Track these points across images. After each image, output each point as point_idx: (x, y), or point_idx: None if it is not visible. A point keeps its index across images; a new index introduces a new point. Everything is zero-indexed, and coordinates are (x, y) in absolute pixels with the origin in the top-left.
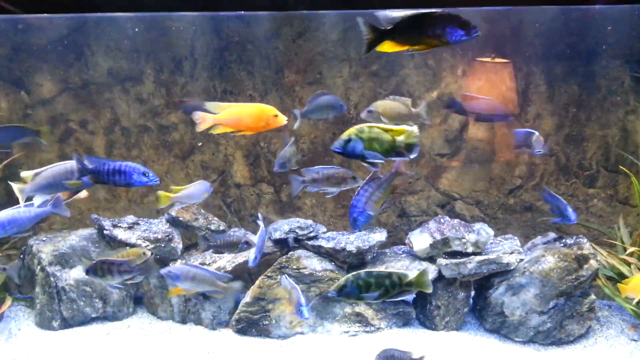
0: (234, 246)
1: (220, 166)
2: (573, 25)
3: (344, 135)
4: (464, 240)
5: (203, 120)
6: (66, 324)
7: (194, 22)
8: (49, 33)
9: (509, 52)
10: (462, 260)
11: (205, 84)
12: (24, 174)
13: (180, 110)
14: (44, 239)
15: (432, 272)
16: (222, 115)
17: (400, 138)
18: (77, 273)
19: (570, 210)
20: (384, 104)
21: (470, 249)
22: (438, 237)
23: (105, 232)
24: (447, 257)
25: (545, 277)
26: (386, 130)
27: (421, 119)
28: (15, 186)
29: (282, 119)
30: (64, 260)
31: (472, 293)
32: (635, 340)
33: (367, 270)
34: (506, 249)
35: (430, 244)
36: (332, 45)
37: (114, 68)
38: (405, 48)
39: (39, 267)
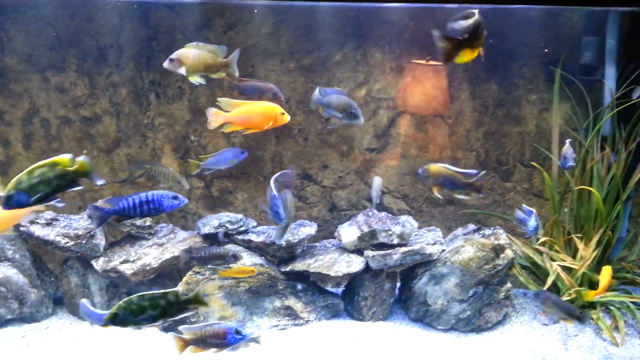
0: (221, 258)
1: (148, 160)
2: (494, 25)
3: (5, 192)
4: (389, 232)
5: (215, 117)
6: None
7: (120, 9)
8: None
9: (433, 50)
10: (388, 251)
11: (131, 74)
12: None
13: (239, 90)
14: None
15: (359, 263)
16: (233, 114)
17: (72, 168)
18: None
19: (532, 219)
20: (186, 52)
21: (395, 241)
22: (365, 229)
23: (22, 228)
24: (374, 249)
25: (465, 266)
26: (52, 165)
27: (230, 69)
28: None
29: (287, 117)
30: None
31: (398, 284)
32: (546, 324)
33: (139, 294)
34: (429, 240)
35: (358, 237)
36: (264, 38)
37: (34, 55)
38: (476, 54)
39: None
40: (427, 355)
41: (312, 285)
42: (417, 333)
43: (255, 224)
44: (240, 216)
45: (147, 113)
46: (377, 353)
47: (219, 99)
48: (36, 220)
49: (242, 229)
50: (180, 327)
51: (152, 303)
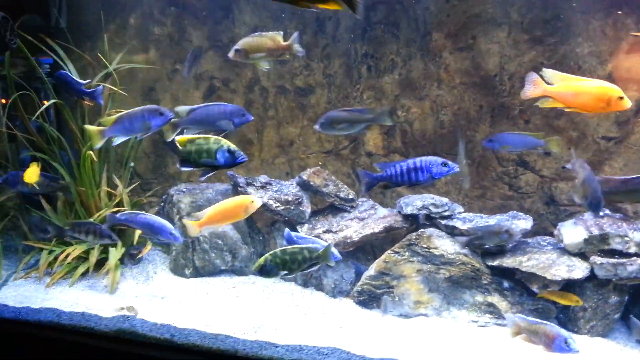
0: (495, 235)
1: (353, 133)
2: None
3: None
4: (626, 238)
5: (535, 87)
6: (197, 272)
7: None
8: None
9: None
10: (621, 260)
11: (346, 47)
12: (178, 108)
13: None
14: (184, 190)
15: (583, 269)
16: (558, 88)
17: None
18: None
19: None
20: (249, 41)
21: (632, 249)
22: (595, 231)
23: (239, 189)
24: (603, 256)
25: None
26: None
27: (294, 50)
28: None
29: (627, 103)
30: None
31: (626, 298)
32: None
33: (281, 249)
34: None
35: (585, 239)
36: (492, 5)
37: (259, 26)
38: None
39: (177, 216)
40: None
41: (519, 285)
42: None
43: (461, 209)
44: (445, 200)
45: (356, 86)
46: None
47: (543, 69)
48: (252, 183)
49: (447, 213)
50: (517, 316)
51: (292, 257)
